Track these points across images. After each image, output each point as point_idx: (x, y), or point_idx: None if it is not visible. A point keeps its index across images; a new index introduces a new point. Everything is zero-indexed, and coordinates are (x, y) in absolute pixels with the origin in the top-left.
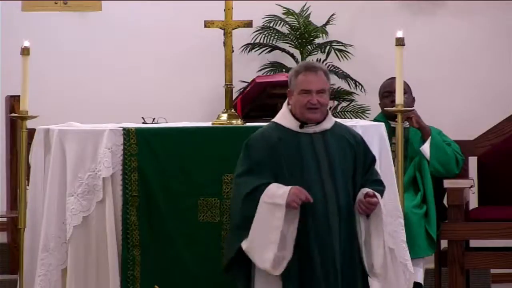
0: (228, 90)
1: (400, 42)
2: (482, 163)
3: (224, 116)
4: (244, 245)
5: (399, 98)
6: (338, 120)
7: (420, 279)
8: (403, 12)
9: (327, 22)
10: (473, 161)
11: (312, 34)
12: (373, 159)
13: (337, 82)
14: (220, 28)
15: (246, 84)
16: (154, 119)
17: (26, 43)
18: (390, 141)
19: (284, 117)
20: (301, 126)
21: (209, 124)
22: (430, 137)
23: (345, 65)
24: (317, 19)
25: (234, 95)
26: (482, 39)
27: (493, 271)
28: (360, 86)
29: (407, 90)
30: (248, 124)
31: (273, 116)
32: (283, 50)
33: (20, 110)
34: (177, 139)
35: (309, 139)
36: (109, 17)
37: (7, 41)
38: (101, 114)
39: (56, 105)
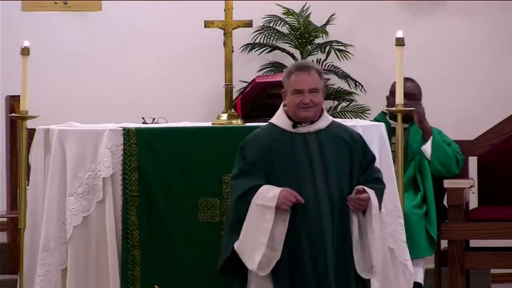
0: (228, 90)
1: (400, 42)
2: (482, 163)
3: (224, 116)
4: (236, 245)
5: (399, 98)
6: (338, 120)
7: (420, 279)
8: (403, 12)
9: (327, 22)
10: (473, 161)
11: (312, 34)
12: (372, 158)
13: (337, 82)
14: (220, 28)
15: (246, 84)
16: (154, 119)
17: (26, 43)
18: (389, 141)
19: (279, 118)
20: (294, 126)
21: (209, 124)
22: (431, 137)
23: (345, 65)
24: (317, 19)
25: (234, 95)
26: (482, 39)
27: (493, 271)
28: (360, 86)
29: (418, 96)
30: (248, 124)
31: (273, 116)
32: (283, 50)
33: (20, 110)
34: (177, 139)
35: (303, 139)
36: (109, 17)
37: (7, 41)
38: (101, 114)
39: (56, 105)
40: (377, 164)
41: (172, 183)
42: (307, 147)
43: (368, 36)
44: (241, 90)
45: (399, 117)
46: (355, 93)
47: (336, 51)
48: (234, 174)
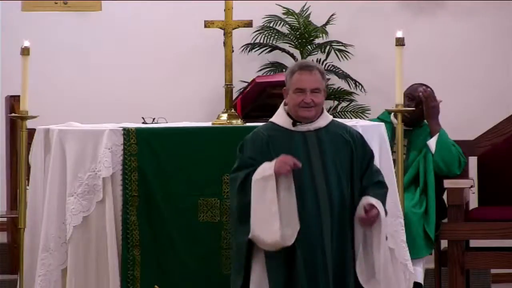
0: (228, 90)
1: (400, 42)
2: (482, 163)
3: (224, 116)
4: (250, 234)
5: (399, 98)
6: (338, 119)
7: (420, 279)
8: (403, 12)
9: (327, 22)
10: (473, 161)
11: (312, 34)
12: (371, 156)
13: (337, 82)
14: (220, 28)
15: (246, 84)
16: (154, 119)
17: (26, 43)
18: (392, 141)
19: (279, 116)
20: (293, 124)
21: (209, 124)
22: (438, 133)
23: (345, 65)
24: (317, 19)
25: (234, 95)
26: (482, 39)
27: (493, 271)
28: (360, 86)
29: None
30: (248, 124)
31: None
32: (283, 50)
33: (20, 110)
34: (177, 139)
35: (302, 137)
36: (109, 17)
37: (7, 41)
38: (101, 114)
39: (56, 105)
40: (377, 164)
41: (172, 183)
42: (306, 146)
43: (368, 36)
44: (241, 90)
45: (399, 117)
46: (355, 93)
47: (336, 51)
48: (233, 169)
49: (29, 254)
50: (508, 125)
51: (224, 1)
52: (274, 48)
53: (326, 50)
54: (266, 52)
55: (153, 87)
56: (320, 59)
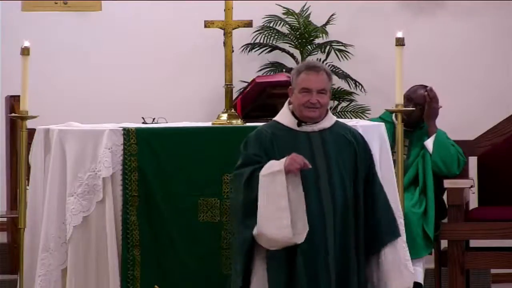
0: (228, 90)
1: (400, 42)
2: (482, 163)
3: (224, 116)
4: (255, 231)
5: (399, 98)
6: (340, 120)
7: (420, 279)
8: (403, 12)
9: (327, 22)
10: (473, 161)
11: (312, 34)
12: (372, 159)
13: (337, 82)
14: (220, 28)
15: (246, 84)
16: (154, 119)
17: (26, 43)
18: (393, 141)
19: (284, 115)
20: (298, 124)
21: (209, 124)
22: (435, 134)
23: (345, 65)
24: (317, 19)
25: (234, 95)
26: (482, 39)
27: (493, 271)
28: (360, 86)
29: (421, 103)
30: (248, 124)
31: (273, 116)
32: (283, 50)
33: (20, 110)
34: (177, 139)
35: (307, 137)
36: (109, 17)
37: (7, 41)
38: (101, 114)
39: (56, 105)
40: (376, 164)
41: (172, 183)
42: (310, 146)
43: (368, 36)
44: (241, 90)
45: (399, 117)
46: (355, 93)
47: (336, 51)
48: (237, 166)
49: (29, 254)
50: (508, 125)
51: (224, 1)
52: (274, 48)
53: (326, 50)
54: (266, 52)
55: (153, 87)
56: (320, 59)
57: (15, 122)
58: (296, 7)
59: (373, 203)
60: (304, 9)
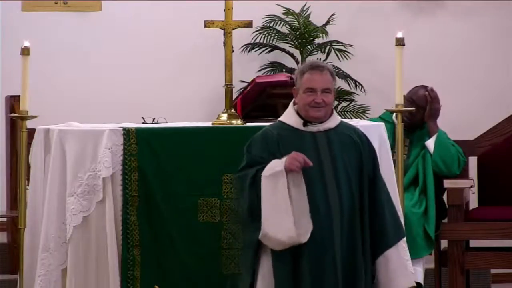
0: (228, 90)
1: (400, 42)
2: (482, 163)
3: (224, 116)
4: (260, 234)
5: (399, 98)
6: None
7: (420, 279)
8: (403, 12)
9: (327, 22)
10: (473, 161)
11: (312, 34)
12: (376, 159)
13: (337, 82)
14: (220, 28)
15: (246, 84)
16: (154, 119)
17: (26, 43)
18: (394, 141)
19: (289, 116)
20: (304, 124)
21: (209, 124)
22: (436, 133)
23: (345, 65)
24: (317, 19)
25: (234, 95)
26: (482, 39)
27: (493, 271)
28: (360, 86)
29: (423, 105)
30: (248, 124)
31: (273, 116)
32: (283, 50)
33: (20, 110)
34: (177, 139)
35: (312, 137)
36: (109, 17)
37: (7, 41)
38: (101, 114)
39: (56, 105)
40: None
41: (172, 183)
42: (316, 146)
43: (368, 36)
44: (241, 90)
45: (399, 116)
46: (355, 93)
47: (336, 51)
48: (240, 167)
49: (29, 254)
50: (508, 125)
51: (224, 1)
52: (274, 48)
53: (326, 50)
54: (266, 52)
55: (153, 87)
56: (320, 59)
57: (15, 122)
58: (296, 7)
59: (378, 203)
60: (304, 9)
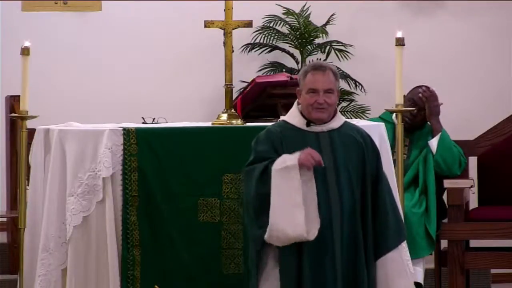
0: (228, 90)
1: (400, 42)
2: (482, 163)
3: (224, 116)
4: (266, 233)
5: (399, 98)
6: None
7: (420, 279)
8: (403, 12)
9: (327, 22)
10: (473, 161)
11: (312, 34)
12: (380, 159)
13: (339, 83)
14: (220, 28)
15: (246, 84)
16: (154, 119)
17: (26, 43)
18: (393, 141)
19: (292, 116)
20: (307, 124)
21: (209, 124)
22: (440, 133)
23: (345, 65)
24: (317, 19)
25: (234, 95)
26: (482, 39)
27: (493, 271)
28: (360, 86)
29: (423, 105)
30: (248, 124)
31: (273, 116)
32: (283, 50)
33: (20, 110)
34: (177, 139)
35: (315, 138)
36: (109, 17)
37: (7, 41)
38: (101, 114)
39: (56, 105)
40: None
41: (172, 183)
42: (319, 146)
43: (368, 36)
44: (241, 90)
45: (399, 117)
46: (355, 93)
47: (336, 51)
48: (248, 162)
49: (29, 254)
50: (508, 125)
51: (224, 1)
52: (274, 48)
53: (326, 50)
54: (266, 52)
55: (153, 87)
56: (320, 59)
57: (15, 122)
58: (296, 7)
59: (381, 204)
60: (304, 9)
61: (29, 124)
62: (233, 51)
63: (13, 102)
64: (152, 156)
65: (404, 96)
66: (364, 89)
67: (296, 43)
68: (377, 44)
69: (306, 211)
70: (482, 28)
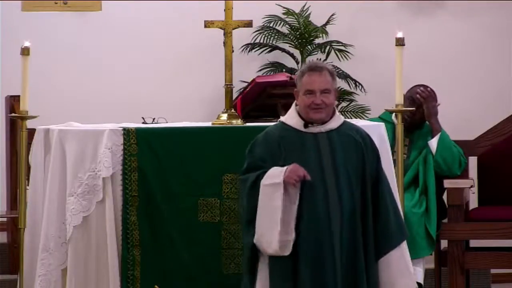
0: (228, 90)
1: (400, 42)
2: (482, 163)
3: (224, 116)
4: (254, 238)
5: (399, 98)
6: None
7: (420, 279)
8: (403, 12)
9: (327, 22)
10: (473, 161)
11: (312, 34)
12: (379, 158)
13: (337, 82)
14: (220, 28)
15: (246, 84)
16: (154, 119)
17: (26, 43)
18: (393, 141)
19: (291, 117)
20: (305, 126)
21: (209, 124)
22: (439, 133)
23: (345, 65)
24: (317, 19)
25: (234, 95)
26: (482, 39)
27: (493, 271)
28: (360, 86)
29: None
30: (248, 124)
31: (273, 116)
32: (283, 50)
33: (20, 110)
34: (177, 139)
35: (314, 139)
36: (109, 17)
37: (7, 41)
38: (101, 114)
39: (56, 105)
40: None
41: (172, 183)
42: (317, 147)
43: (368, 36)
44: (241, 90)
45: (399, 117)
46: (355, 93)
47: (336, 51)
48: (243, 170)
49: (29, 254)
50: (508, 125)
51: (224, 1)
52: (274, 48)
53: (326, 50)
54: (266, 52)
55: (153, 87)
56: (320, 59)
57: (15, 122)
58: (296, 7)
59: (382, 204)
60: (304, 9)
61: (29, 124)
62: (233, 51)
63: (13, 102)
64: (152, 156)
65: (403, 95)
66: (364, 89)
67: (296, 43)
68: (377, 44)
69: (284, 227)
70: (482, 28)
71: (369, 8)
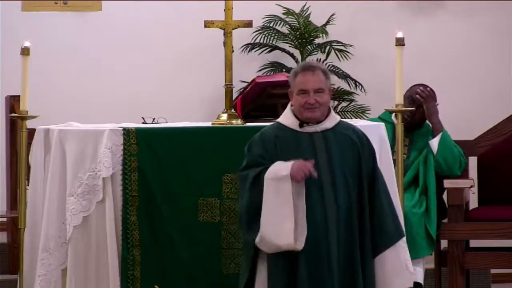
0: (228, 90)
1: (400, 42)
2: (482, 163)
3: (224, 116)
4: (257, 238)
5: (399, 98)
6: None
7: (420, 279)
8: (403, 12)
9: (327, 22)
10: (473, 161)
11: (312, 34)
12: (375, 157)
13: (337, 82)
14: (220, 28)
15: (246, 84)
16: (154, 119)
17: (26, 43)
18: (393, 141)
19: (286, 117)
20: (300, 125)
21: (209, 124)
22: (441, 133)
23: (345, 65)
24: (317, 19)
25: (234, 95)
26: (482, 39)
27: (493, 271)
28: (360, 86)
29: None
30: (248, 124)
31: (273, 116)
32: (283, 50)
33: (20, 110)
34: (177, 139)
35: (309, 138)
36: (109, 17)
37: (7, 41)
38: (101, 114)
39: (56, 105)
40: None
41: (172, 183)
42: (313, 147)
43: (368, 36)
44: (241, 90)
45: (399, 117)
46: (355, 93)
47: (336, 51)
48: (242, 167)
49: (29, 254)
50: (508, 125)
51: (224, 1)
52: (274, 48)
53: (326, 50)
54: (266, 52)
55: (153, 87)
56: (320, 59)
57: (15, 122)
58: (296, 7)
59: (378, 203)
60: (304, 9)
61: (29, 124)
62: (233, 51)
63: (13, 102)
64: (152, 156)
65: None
66: (364, 89)
67: (296, 43)
68: (377, 44)
69: (296, 222)
70: (482, 28)
71: (369, 8)
